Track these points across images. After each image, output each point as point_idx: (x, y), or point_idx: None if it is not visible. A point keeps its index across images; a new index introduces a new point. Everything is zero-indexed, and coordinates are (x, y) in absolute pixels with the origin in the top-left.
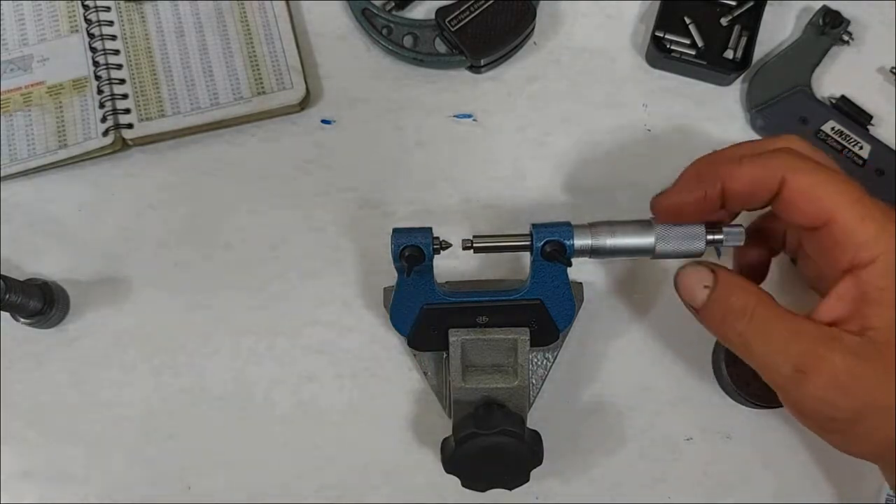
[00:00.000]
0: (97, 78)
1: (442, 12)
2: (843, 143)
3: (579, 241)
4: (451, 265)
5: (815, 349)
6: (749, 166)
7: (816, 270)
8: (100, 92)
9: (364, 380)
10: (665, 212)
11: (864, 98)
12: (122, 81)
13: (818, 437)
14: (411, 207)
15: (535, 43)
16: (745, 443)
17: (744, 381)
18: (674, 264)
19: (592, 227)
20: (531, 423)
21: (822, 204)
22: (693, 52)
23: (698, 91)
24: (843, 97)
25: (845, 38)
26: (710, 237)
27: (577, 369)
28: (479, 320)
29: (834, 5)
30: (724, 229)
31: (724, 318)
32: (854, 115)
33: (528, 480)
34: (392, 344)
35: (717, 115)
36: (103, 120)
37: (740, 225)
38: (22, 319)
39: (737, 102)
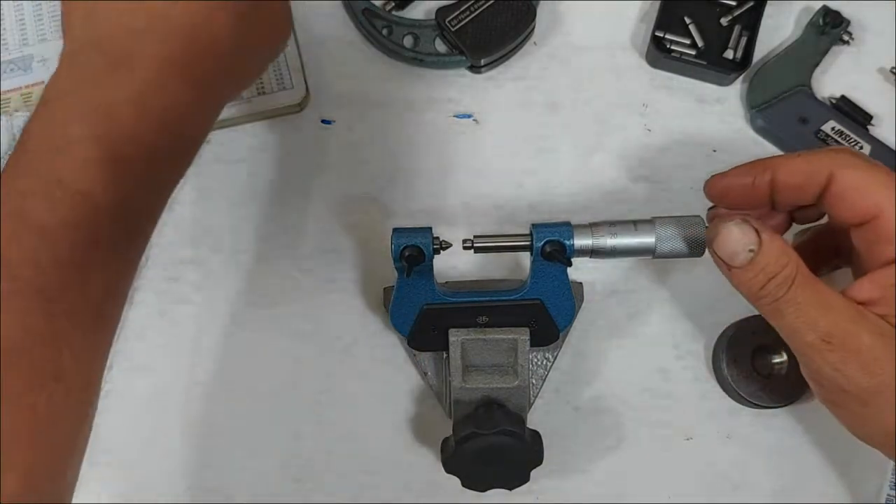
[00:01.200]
0: None
1: (442, 12)
2: (843, 143)
3: (579, 241)
4: (451, 265)
5: (844, 323)
6: (800, 158)
7: (861, 268)
8: None
9: (364, 379)
10: (713, 190)
11: (864, 98)
12: None
13: (830, 413)
14: (411, 207)
15: (535, 43)
16: (745, 443)
17: (744, 381)
18: (674, 265)
19: (593, 226)
20: (531, 423)
21: (870, 199)
22: (693, 52)
23: (698, 91)
24: (843, 97)
25: (845, 38)
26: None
27: (577, 369)
28: (479, 320)
29: (834, 5)
30: None
31: (762, 285)
32: (854, 115)
33: (528, 480)
34: (392, 344)
35: (718, 115)
36: None
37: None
38: None
39: (737, 102)
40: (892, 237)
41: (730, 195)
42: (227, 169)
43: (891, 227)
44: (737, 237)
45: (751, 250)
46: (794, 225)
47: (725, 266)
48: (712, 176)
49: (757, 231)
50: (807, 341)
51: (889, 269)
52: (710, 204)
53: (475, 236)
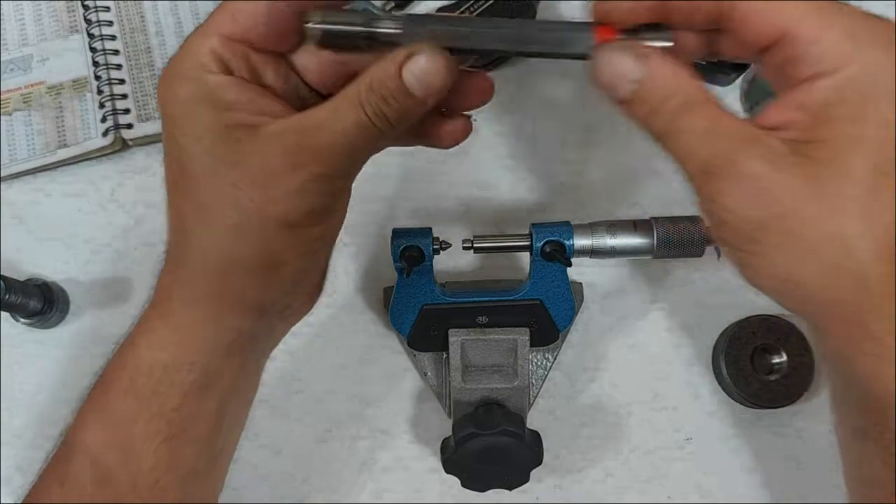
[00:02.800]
0: (97, 78)
1: (442, 12)
2: None
3: (579, 241)
4: (451, 265)
5: (727, 150)
6: None
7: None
8: (99, 92)
9: (364, 380)
10: (598, 7)
11: None
12: (122, 81)
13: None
14: (411, 207)
15: None
16: (745, 443)
17: (744, 381)
18: (674, 265)
19: (592, 226)
20: (531, 423)
21: (778, 12)
22: None
23: None
24: None
25: None
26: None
27: (577, 369)
28: (478, 320)
29: None
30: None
31: (647, 117)
32: None
33: (528, 480)
34: (392, 344)
35: None
36: (103, 120)
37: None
38: (22, 319)
39: (737, 102)
40: (804, 56)
41: (614, 17)
42: None
43: (802, 44)
44: (618, 68)
45: (635, 80)
46: None
47: (614, 101)
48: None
49: (643, 57)
50: (688, 171)
51: (805, 87)
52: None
53: (475, 236)
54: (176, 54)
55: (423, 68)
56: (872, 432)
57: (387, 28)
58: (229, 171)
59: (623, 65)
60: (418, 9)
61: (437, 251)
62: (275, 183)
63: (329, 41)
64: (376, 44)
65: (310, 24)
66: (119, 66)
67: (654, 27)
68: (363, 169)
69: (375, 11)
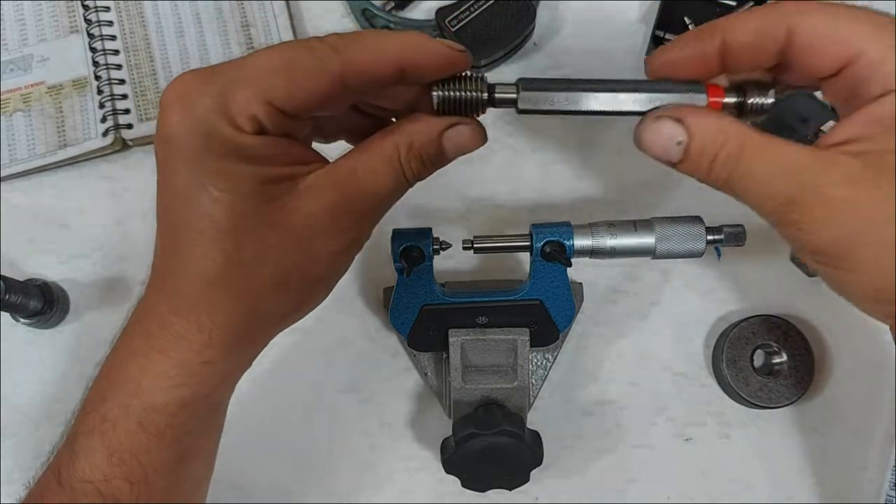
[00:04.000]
0: (97, 78)
1: (442, 12)
2: None
3: (579, 242)
4: (451, 265)
5: (804, 177)
6: (752, 14)
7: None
8: (100, 92)
9: (364, 380)
10: (659, 69)
11: None
12: (122, 81)
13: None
14: (411, 208)
15: (535, 43)
16: (745, 443)
17: (744, 381)
18: (673, 265)
19: (592, 227)
20: (531, 423)
21: (843, 40)
22: None
23: None
24: None
25: None
26: (710, 237)
27: (577, 369)
28: (478, 320)
29: None
30: (725, 229)
31: (708, 170)
32: None
33: (528, 480)
34: (392, 344)
35: None
36: (103, 120)
37: (740, 225)
38: (22, 319)
39: None
40: (874, 75)
41: (678, 70)
42: None
43: (872, 64)
44: (663, 136)
45: (679, 142)
46: None
47: (668, 165)
48: (654, 52)
49: (679, 119)
50: (770, 210)
51: (874, 104)
52: (714, 196)
53: (475, 237)
54: (206, 97)
55: (466, 136)
56: None
57: (505, 94)
58: (270, 232)
59: (666, 129)
60: (418, 9)
61: (437, 251)
62: (317, 245)
63: (445, 106)
64: (489, 105)
65: (437, 93)
66: (119, 66)
67: (758, 83)
68: None
69: (375, 11)
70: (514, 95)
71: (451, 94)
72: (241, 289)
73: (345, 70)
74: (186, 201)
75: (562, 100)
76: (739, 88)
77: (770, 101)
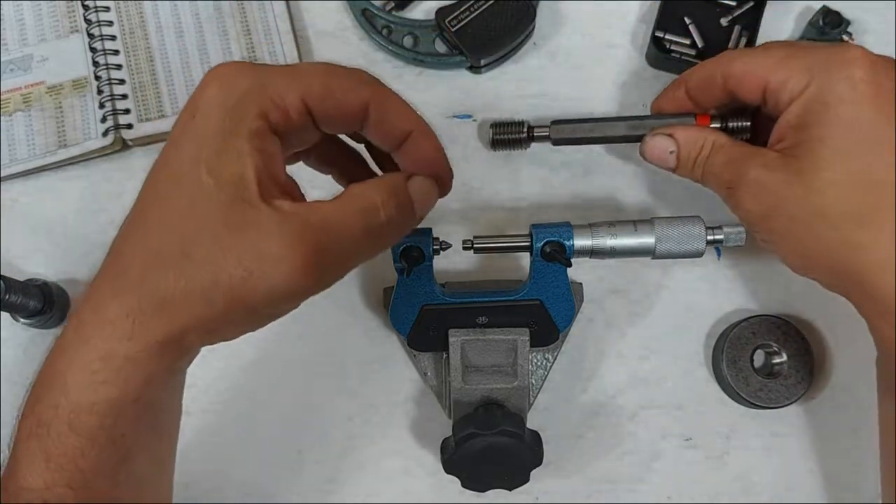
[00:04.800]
0: (97, 78)
1: (442, 12)
2: None
3: (579, 242)
4: (451, 265)
5: (737, 168)
6: (699, 67)
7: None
8: (100, 92)
9: (364, 380)
10: (656, 108)
11: None
12: (122, 82)
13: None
14: None
15: (535, 43)
16: (746, 443)
17: (744, 381)
18: (673, 265)
19: (592, 227)
20: (531, 423)
21: (758, 72)
22: (693, 52)
23: None
24: None
25: (845, 38)
26: (710, 237)
27: (577, 369)
28: (478, 321)
29: (834, 5)
30: (725, 229)
31: (693, 170)
32: None
33: (528, 480)
34: (392, 344)
35: None
36: (103, 120)
37: (741, 225)
38: (22, 319)
39: None
40: (783, 91)
41: (667, 109)
42: None
43: (779, 84)
44: (659, 148)
45: (672, 151)
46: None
47: (668, 170)
48: (654, 100)
49: (670, 134)
50: (722, 195)
51: (786, 112)
52: (713, 196)
53: (475, 237)
54: (247, 79)
55: (422, 184)
56: None
57: (542, 133)
58: (227, 233)
59: (661, 142)
60: (418, 9)
61: (437, 251)
62: (266, 272)
63: (499, 143)
64: (530, 141)
65: (495, 135)
66: (119, 66)
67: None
68: None
69: (375, 11)
70: (547, 133)
71: (503, 136)
72: (178, 283)
73: (372, 101)
74: (176, 174)
75: (586, 130)
76: (723, 116)
77: (747, 123)
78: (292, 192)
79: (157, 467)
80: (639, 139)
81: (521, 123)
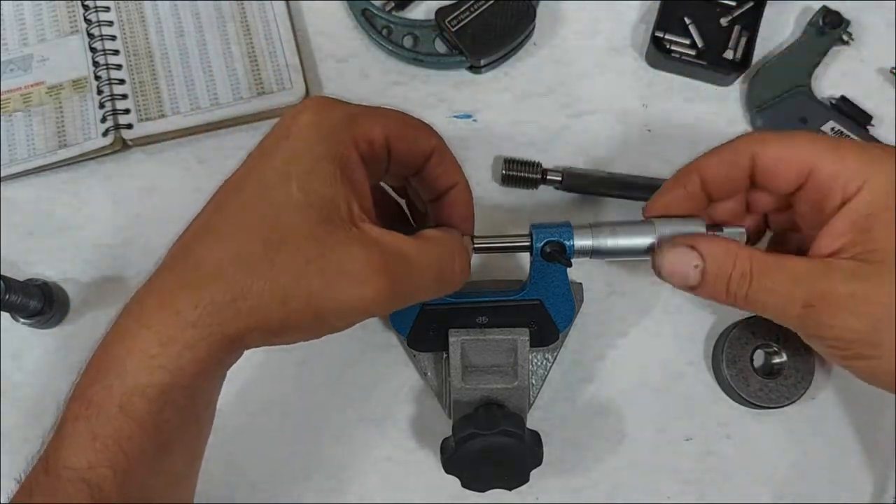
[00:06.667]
0: (97, 78)
1: (442, 12)
2: None
3: (580, 242)
4: None
5: (816, 284)
6: (717, 153)
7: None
8: (100, 92)
9: (364, 380)
10: (654, 213)
11: (864, 98)
12: (122, 82)
13: (848, 371)
14: None
15: (534, 43)
16: (745, 443)
17: (744, 381)
18: None
19: (593, 227)
20: (531, 423)
21: (798, 159)
22: (693, 53)
23: (698, 91)
24: (842, 97)
25: (845, 38)
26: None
27: (577, 369)
28: (478, 321)
29: (834, 5)
30: (725, 230)
31: (726, 290)
32: (854, 115)
33: (527, 480)
34: (392, 344)
35: (718, 115)
36: (103, 120)
37: (741, 226)
38: (22, 319)
39: (737, 102)
40: (832, 185)
41: (671, 210)
42: (226, 169)
43: (828, 177)
44: (680, 262)
45: (696, 266)
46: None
47: (686, 289)
48: (648, 202)
49: (692, 246)
50: (794, 315)
51: (840, 214)
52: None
53: (475, 236)
54: (340, 112)
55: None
56: None
57: (554, 177)
58: (310, 245)
59: (682, 256)
60: (418, 9)
61: None
62: (342, 288)
63: (510, 179)
64: (540, 183)
65: (506, 171)
66: (119, 66)
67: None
68: None
69: (375, 11)
70: (559, 178)
71: (515, 173)
72: (256, 283)
73: (436, 149)
74: (264, 184)
75: (597, 183)
76: (717, 225)
77: (742, 228)
78: (373, 219)
79: (189, 464)
80: (644, 199)
81: (534, 165)
